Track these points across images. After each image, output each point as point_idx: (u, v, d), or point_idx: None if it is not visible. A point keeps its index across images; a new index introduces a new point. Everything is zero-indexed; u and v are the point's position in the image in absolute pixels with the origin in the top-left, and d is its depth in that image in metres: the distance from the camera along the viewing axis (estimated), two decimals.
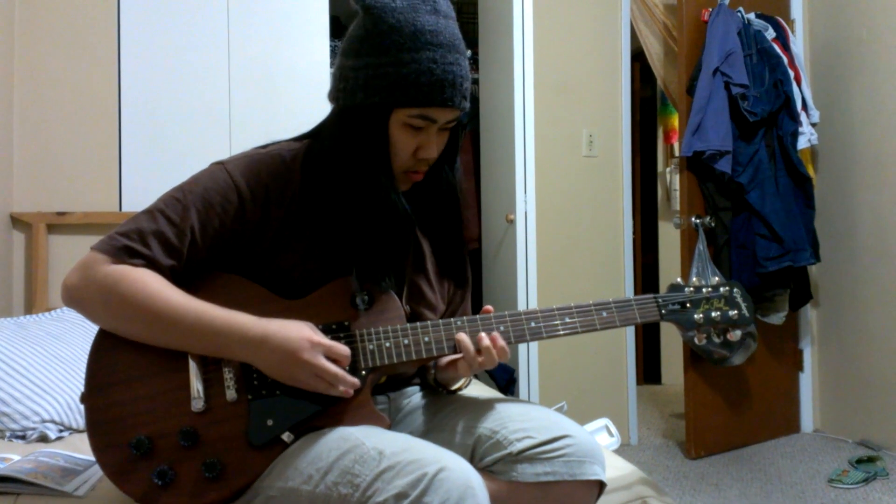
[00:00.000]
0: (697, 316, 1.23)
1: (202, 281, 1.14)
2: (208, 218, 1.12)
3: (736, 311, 1.24)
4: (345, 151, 1.15)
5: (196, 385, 1.08)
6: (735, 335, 1.24)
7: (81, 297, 1.10)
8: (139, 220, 1.12)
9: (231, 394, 1.09)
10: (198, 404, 1.07)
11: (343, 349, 1.09)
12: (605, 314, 1.20)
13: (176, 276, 1.12)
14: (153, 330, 1.08)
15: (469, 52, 2.11)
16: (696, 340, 1.25)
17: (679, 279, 1.29)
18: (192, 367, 1.09)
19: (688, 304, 1.24)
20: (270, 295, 1.15)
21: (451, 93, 1.11)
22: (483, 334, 1.16)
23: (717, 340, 1.26)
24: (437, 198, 1.26)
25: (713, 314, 1.24)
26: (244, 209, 1.14)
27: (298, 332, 1.07)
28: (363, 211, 1.15)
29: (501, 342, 1.15)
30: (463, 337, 1.15)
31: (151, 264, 1.09)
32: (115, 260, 1.08)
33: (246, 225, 1.14)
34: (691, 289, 1.25)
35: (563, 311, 1.20)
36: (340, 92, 1.15)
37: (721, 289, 1.26)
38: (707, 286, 1.25)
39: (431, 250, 1.32)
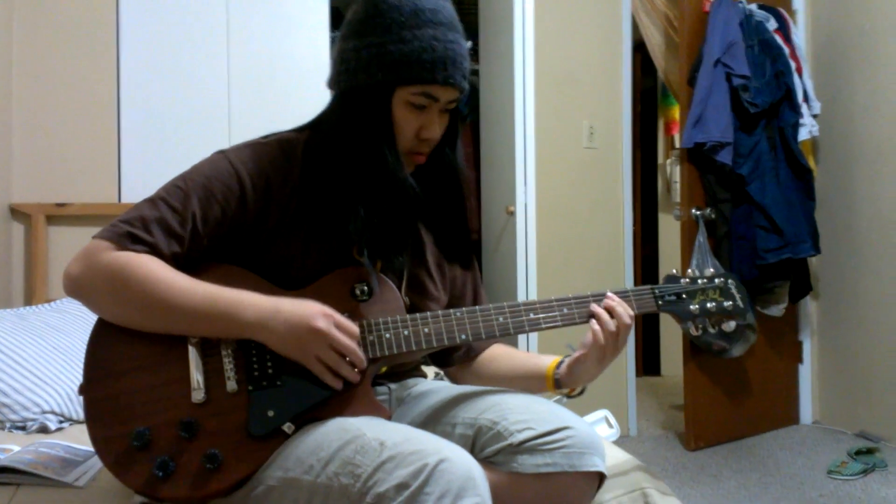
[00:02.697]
0: (693, 307, 1.24)
1: (201, 271, 1.13)
2: (210, 205, 1.12)
3: (731, 302, 1.25)
4: (349, 133, 1.16)
5: (196, 376, 1.08)
6: (729, 326, 1.25)
7: (84, 285, 1.09)
8: (141, 207, 1.12)
9: (231, 384, 1.09)
10: (198, 395, 1.07)
11: (352, 326, 1.10)
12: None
13: (178, 264, 1.11)
14: (160, 315, 1.08)
15: (469, 43, 2.10)
16: (691, 331, 1.26)
17: (675, 270, 1.30)
18: (192, 357, 1.09)
19: (684, 295, 1.25)
20: (269, 285, 1.15)
21: (452, 70, 1.13)
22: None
23: (712, 331, 1.26)
24: (440, 180, 1.27)
25: (708, 305, 1.24)
26: (245, 197, 1.14)
27: (311, 305, 1.08)
28: (372, 191, 1.15)
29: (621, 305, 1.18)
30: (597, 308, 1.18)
31: (154, 251, 1.09)
32: (118, 247, 1.08)
33: (247, 213, 1.14)
34: (687, 280, 1.26)
35: (561, 302, 1.20)
36: (342, 75, 1.16)
37: (716, 280, 1.26)
38: (702, 277, 1.26)
39: (433, 239, 1.32)
